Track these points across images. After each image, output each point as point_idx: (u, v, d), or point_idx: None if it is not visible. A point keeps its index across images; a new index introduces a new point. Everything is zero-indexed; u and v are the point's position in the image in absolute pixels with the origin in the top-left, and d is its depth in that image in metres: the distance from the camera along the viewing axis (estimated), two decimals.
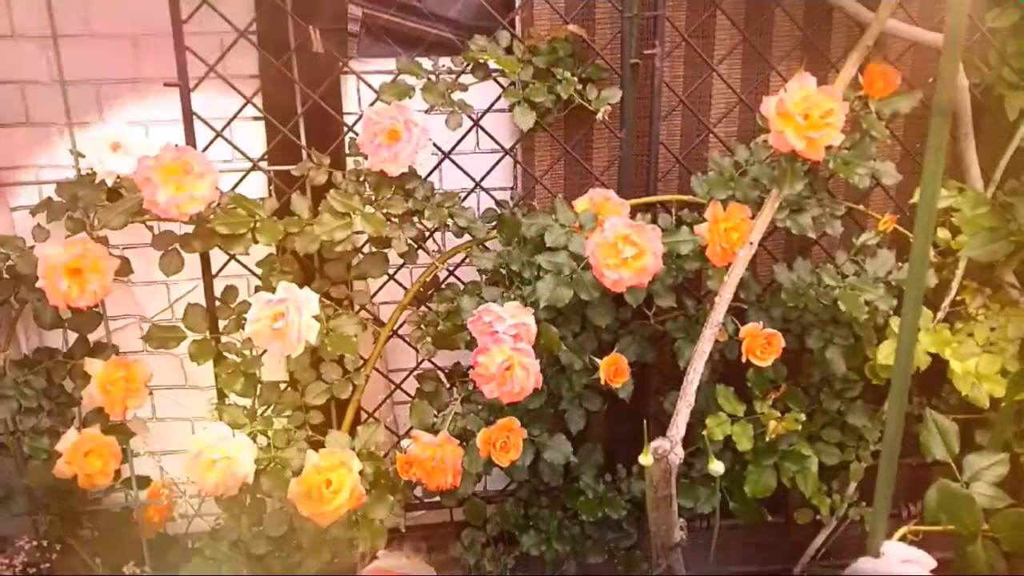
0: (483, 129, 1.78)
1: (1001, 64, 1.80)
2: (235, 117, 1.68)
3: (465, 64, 1.70)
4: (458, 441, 1.65)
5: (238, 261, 1.71)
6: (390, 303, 1.83)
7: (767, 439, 1.77)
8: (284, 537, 1.66)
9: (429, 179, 1.71)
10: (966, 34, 1.70)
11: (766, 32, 1.81)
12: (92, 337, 1.75)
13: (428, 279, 1.74)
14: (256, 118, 1.77)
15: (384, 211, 1.63)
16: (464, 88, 1.69)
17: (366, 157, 1.62)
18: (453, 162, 1.78)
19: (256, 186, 1.77)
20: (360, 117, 1.65)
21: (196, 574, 1.69)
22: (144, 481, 1.84)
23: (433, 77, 1.68)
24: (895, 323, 1.70)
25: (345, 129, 1.74)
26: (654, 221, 1.71)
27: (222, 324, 1.70)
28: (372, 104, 1.69)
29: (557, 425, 1.76)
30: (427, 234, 1.73)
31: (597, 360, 1.67)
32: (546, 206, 1.81)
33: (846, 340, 1.73)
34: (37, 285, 1.56)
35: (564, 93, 1.71)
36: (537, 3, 1.74)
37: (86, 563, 1.80)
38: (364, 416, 1.87)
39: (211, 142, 1.68)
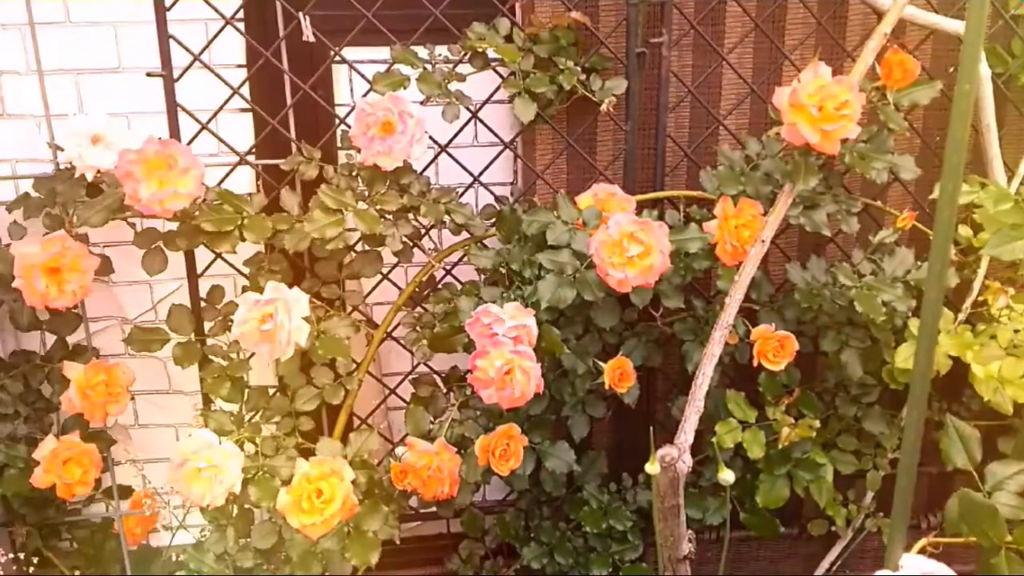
0: (482, 121, 1.77)
1: None
2: (221, 108, 1.68)
3: (463, 53, 1.69)
4: (455, 449, 1.65)
5: (224, 260, 1.70)
6: (384, 304, 1.82)
7: (780, 447, 1.75)
8: (272, 549, 1.65)
9: (425, 174, 1.70)
10: (988, 22, 1.68)
11: (779, 19, 1.80)
12: (71, 339, 1.75)
13: (424, 279, 1.73)
14: (243, 110, 1.76)
15: (378, 207, 1.62)
16: (462, 78, 1.68)
17: (359, 151, 1.61)
18: (450, 156, 1.77)
19: (243, 181, 1.78)
20: (353, 109, 1.64)
21: None
22: (126, 491, 1.83)
23: (429, 67, 1.67)
24: (914, 325, 1.68)
25: (337, 121, 1.73)
26: (661, 218, 1.69)
27: (208, 326, 1.70)
28: (365, 95, 1.67)
29: (559, 432, 1.76)
30: (423, 231, 1.72)
31: (601, 364, 1.65)
32: (547, 202, 1.79)
33: (863, 343, 1.72)
34: (13, 285, 1.55)
35: (567, 83, 1.70)
36: None
37: None
38: (357, 423, 1.85)
39: (196, 135, 1.67)
